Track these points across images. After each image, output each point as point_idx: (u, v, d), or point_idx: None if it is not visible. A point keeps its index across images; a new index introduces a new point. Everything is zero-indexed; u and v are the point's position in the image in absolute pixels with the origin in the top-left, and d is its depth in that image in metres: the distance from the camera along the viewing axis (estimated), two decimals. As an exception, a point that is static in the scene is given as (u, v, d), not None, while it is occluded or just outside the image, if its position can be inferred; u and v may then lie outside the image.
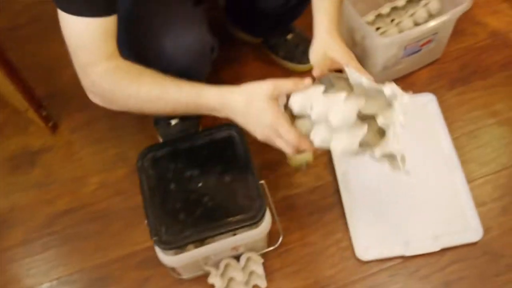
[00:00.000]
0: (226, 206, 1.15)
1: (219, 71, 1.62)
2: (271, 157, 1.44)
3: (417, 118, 1.46)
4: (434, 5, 1.47)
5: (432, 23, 1.33)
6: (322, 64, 1.00)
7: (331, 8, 1.04)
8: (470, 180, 1.36)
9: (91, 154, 1.50)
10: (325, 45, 1.01)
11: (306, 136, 0.94)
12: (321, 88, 0.92)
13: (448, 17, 1.34)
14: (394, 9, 1.49)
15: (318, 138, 0.92)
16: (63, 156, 1.51)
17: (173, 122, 1.46)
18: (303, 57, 1.54)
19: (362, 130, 0.89)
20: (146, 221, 1.11)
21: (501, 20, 1.63)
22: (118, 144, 1.51)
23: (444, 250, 1.27)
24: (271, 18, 1.42)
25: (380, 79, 1.50)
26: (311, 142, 0.93)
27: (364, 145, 0.91)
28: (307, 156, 1.38)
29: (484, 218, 1.30)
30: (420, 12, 1.46)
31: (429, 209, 1.32)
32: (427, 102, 1.48)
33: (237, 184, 1.18)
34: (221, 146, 1.23)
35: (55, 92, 1.62)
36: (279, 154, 1.40)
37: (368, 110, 0.91)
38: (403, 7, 1.49)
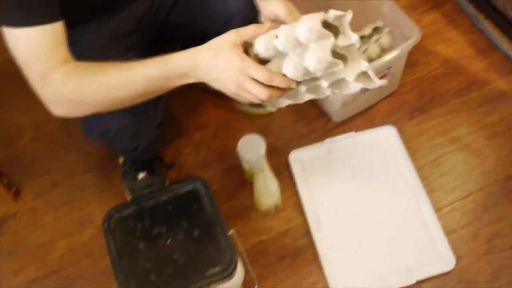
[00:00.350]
0: (197, 261, 1.14)
1: (180, 120, 1.62)
2: (239, 203, 1.44)
3: (380, 151, 1.48)
4: (385, 40, 1.50)
5: (384, 59, 1.36)
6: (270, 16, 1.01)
7: None
8: (437, 209, 1.37)
9: (56, 218, 1.47)
10: (276, 5, 1.02)
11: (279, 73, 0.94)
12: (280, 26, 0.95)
13: (399, 52, 1.37)
14: (347, 46, 1.52)
15: (291, 65, 0.92)
16: (27, 222, 1.48)
17: (140, 176, 1.45)
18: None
19: (330, 39, 0.91)
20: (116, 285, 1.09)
21: (451, 47, 1.67)
22: (84, 205, 1.49)
23: (419, 283, 1.28)
24: None
25: (341, 117, 1.55)
26: (284, 76, 0.93)
27: (338, 56, 0.92)
28: (275, 200, 1.38)
29: (455, 246, 1.31)
30: (372, 47, 1.49)
31: (400, 242, 1.33)
32: (388, 135, 1.50)
33: (206, 237, 1.16)
34: (187, 200, 1.22)
35: (15, 157, 1.59)
36: (248, 199, 1.41)
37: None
38: (355, 44, 1.52)
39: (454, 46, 1.67)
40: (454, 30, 1.71)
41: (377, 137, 1.50)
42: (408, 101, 1.58)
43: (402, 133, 1.50)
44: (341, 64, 0.93)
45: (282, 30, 0.94)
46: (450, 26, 1.72)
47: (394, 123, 1.52)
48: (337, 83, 0.98)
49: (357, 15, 1.60)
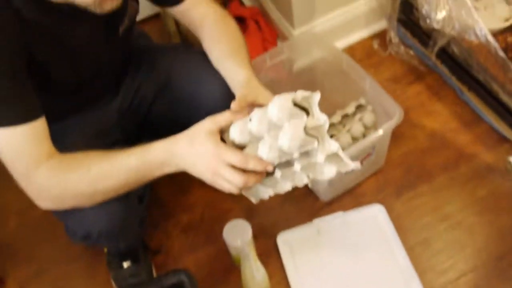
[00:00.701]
0: None
1: (166, 202, 1.60)
2: (227, 291, 1.41)
3: (368, 231, 1.45)
4: (368, 119, 1.50)
5: (367, 141, 1.35)
6: (243, 99, 1.00)
7: (242, 63, 1.09)
8: (430, 292, 1.34)
9: (40, 310, 1.44)
10: (249, 88, 1.03)
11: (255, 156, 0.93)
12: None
13: (381, 133, 1.36)
14: (332, 125, 1.52)
15: (266, 147, 0.91)
16: (11, 314, 1.44)
17: (125, 265, 1.42)
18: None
19: (303, 117, 0.91)
20: None
21: (436, 120, 1.67)
22: (69, 296, 1.46)
23: None
24: None
25: (329, 196, 1.53)
26: (260, 159, 0.92)
27: (310, 135, 0.92)
28: (263, 285, 1.35)
29: (449, 331, 1.27)
30: (356, 126, 1.49)
31: (392, 330, 1.29)
32: (377, 214, 1.48)
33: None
34: (171, 294, 1.19)
35: (-1, 245, 1.57)
36: (237, 285, 1.38)
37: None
38: (340, 122, 1.52)
39: (439, 118, 1.68)
40: (438, 102, 1.72)
41: (366, 216, 1.48)
42: (395, 178, 1.57)
43: (391, 211, 1.48)
44: (315, 142, 0.93)
45: (255, 113, 0.95)
46: (435, 98, 1.73)
47: (382, 201, 1.50)
48: (311, 166, 0.98)
49: (341, 92, 1.64)
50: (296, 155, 0.93)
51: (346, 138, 1.48)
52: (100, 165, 0.95)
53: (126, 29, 1.16)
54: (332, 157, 0.96)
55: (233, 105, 0.96)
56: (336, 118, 1.51)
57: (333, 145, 0.94)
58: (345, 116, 1.53)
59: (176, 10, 1.18)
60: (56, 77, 1.05)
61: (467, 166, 1.56)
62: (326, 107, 1.69)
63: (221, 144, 0.92)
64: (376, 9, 1.84)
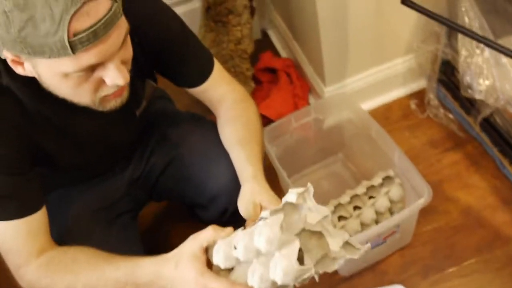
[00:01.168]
0: None
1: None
2: None
3: (389, 316, 1.34)
4: (396, 193, 1.40)
5: (390, 222, 1.26)
6: (253, 213, 0.93)
7: (252, 155, 1.02)
8: None
9: None
10: (252, 192, 0.96)
11: (244, 284, 0.85)
12: (239, 229, 0.88)
13: (408, 213, 1.26)
14: (356, 196, 1.43)
15: (256, 277, 0.83)
16: None
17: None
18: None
19: (295, 244, 0.83)
20: None
21: (473, 194, 1.54)
22: None
23: None
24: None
25: (348, 270, 1.43)
26: (247, 286, 0.84)
27: (304, 260, 0.85)
28: None
29: None
30: (382, 200, 1.39)
31: None
32: (399, 296, 1.37)
33: None
34: None
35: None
36: None
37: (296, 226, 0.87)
38: (365, 194, 1.43)
39: (476, 192, 1.55)
40: (476, 173, 1.59)
41: (387, 297, 1.37)
42: (422, 257, 1.45)
43: (415, 294, 1.37)
44: (312, 269, 0.84)
45: (239, 239, 0.86)
46: (473, 169, 1.60)
47: (406, 282, 1.38)
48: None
49: (368, 158, 1.55)
50: (291, 283, 0.85)
51: (369, 212, 1.38)
52: (88, 276, 0.92)
53: (143, 110, 1.12)
54: (343, 245, 0.89)
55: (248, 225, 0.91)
56: (361, 189, 1.42)
57: (342, 236, 0.88)
58: (371, 187, 1.43)
59: (194, 91, 1.11)
60: (64, 163, 1.04)
61: (503, 250, 1.42)
62: (352, 172, 1.63)
63: (206, 271, 0.85)
64: (414, 69, 1.74)
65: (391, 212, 1.42)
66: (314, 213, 0.87)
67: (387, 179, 1.43)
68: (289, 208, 0.87)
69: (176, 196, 1.26)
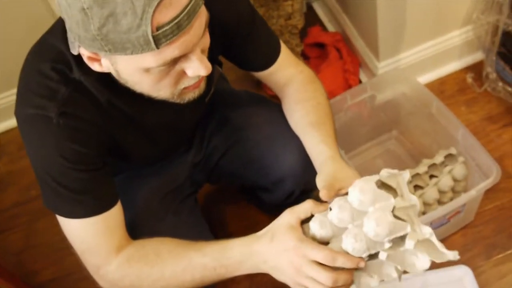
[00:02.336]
0: None
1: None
2: None
3: (453, 297, 1.31)
4: (459, 171, 1.35)
5: (456, 203, 1.22)
6: (331, 188, 0.88)
7: (327, 136, 0.98)
8: None
9: None
10: (334, 170, 0.91)
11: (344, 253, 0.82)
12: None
13: (474, 193, 1.22)
14: (416, 175, 1.38)
15: (351, 237, 0.80)
16: None
17: None
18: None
19: (390, 200, 0.80)
20: None
21: (536, 171, 1.49)
22: None
23: None
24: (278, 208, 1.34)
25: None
26: (346, 254, 0.80)
27: (399, 218, 0.81)
28: None
29: None
30: (445, 180, 1.35)
31: None
32: (462, 277, 1.33)
33: None
34: None
35: (60, 276, 1.55)
36: None
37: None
38: (426, 172, 1.38)
39: (540, 169, 1.50)
40: (539, 148, 1.54)
41: (449, 279, 1.33)
42: (485, 235, 1.41)
43: (478, 274, 1.33)
44: (408, 227, 0.80)
45: (335, 201, 0.83)
46: (535, 145, 1.55)
47: (469, 262, 1.35)
48: (399, 256, 0.85)
49: (427, 136, 1.50)
50: (386, 244, 0.81)
51: (432, 192, 1.34)
52: (175, 265, 0.88)
53: (211, 95, 1.09)
54: (424, 244, 0.83)
55: (323, 194, 0.85)
56: (422, 168, 1.37)
57: (425, 230, 0.82)
58: (432, 165, 1.39)
59: (261, 74, 1.07)
60: (135, 154, 1.02)
61: None
62: (408, 149, 1.58)
63: (304, 239, 0.80)
64: (472, 41, 1.67)
65: (453, 191, 1.38)
66: (402, 200, 0.83)
67: (449, 157, 1.39)
68: (379, 183, 0.84)
69: (237, 178, 1.23)
